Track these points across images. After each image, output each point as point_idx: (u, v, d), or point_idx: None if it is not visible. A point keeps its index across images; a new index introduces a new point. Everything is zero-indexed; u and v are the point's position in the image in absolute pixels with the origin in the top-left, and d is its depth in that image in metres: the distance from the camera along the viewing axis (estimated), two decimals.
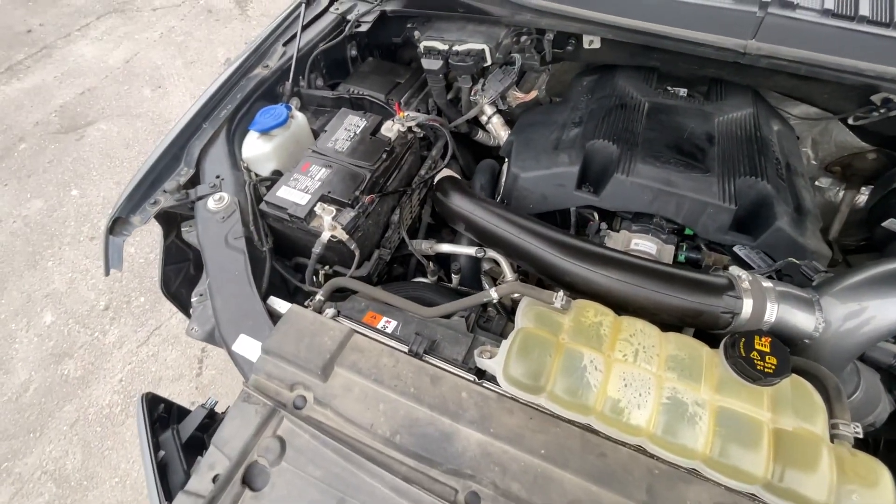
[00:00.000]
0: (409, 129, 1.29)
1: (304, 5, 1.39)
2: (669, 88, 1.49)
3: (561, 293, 0.84)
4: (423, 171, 1.38)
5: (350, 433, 0.80)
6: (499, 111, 1.57)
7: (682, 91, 1.45)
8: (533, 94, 1.47)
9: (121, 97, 4.13)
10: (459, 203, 1.19)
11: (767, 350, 0.72)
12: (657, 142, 1.22)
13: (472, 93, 1.44)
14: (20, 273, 3.01)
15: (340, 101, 1.49)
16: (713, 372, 0.76)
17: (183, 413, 1.01)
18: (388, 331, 0.95)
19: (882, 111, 1.15)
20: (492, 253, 1.22)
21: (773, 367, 0.70)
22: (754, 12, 1.06)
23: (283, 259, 1.20)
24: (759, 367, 0.70)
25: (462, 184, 1.30)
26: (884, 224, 1.15)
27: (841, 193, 1.61)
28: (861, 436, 0.74)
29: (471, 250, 1.24)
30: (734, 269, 0.89)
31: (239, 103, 1.29)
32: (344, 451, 0.77)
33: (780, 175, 1.21)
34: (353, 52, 1.65)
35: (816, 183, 1.66)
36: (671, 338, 0.81)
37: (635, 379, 0.75)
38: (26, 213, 3.32)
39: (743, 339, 0.73)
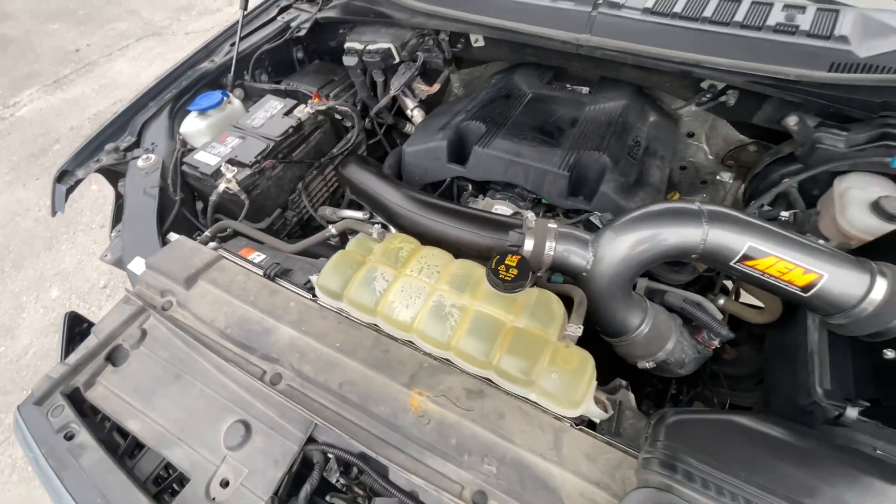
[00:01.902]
0: (319, 111, 1.52)
1: (242, 14, 1.67)
2: (568, 86, 1.68)
3: (378, 226, 1.02)
4: (335, 150, 1.60)
5: (196, 327, 0.99)
6: (420, 105, 1.80)
7: (585, 90, 1.64)
8: (436, 87, 1.68)
9: None
10: (348, 172, 1.40)
11: (514, 265, 0.88)
12: (524, 124, 1.40)
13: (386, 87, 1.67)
14: (37, 254, 3.39)
15: (277, 92, 1.74)
16: (481, 285, 0.92)
17: None
18: (256, 261, 1.15)
19: (709, 96, 1.30)
20: (378, 218, 1.42)
21: (513, 277, 0.86)
22: (588, 11, 1.24)
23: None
24: (501, 276, 0.86)
25: (359, 159, 1.51)
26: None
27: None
28: (579, 333, 0.87)
29: (359, 214, 1.44)
30: (527, 213, 1.05)
31: (183, 89, 1.56)
32: (187, 340, 0.96)
33: (631, 154, 1.36)
34: (300, 55, 1.93)
35: (717, 177, 1.78)
36: (459, 262, 0.98)
37: (413, 288, 0.92)
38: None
39: (498, 257, 0.89)
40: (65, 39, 5.68)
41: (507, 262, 0.89)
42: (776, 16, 1.13)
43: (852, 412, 0.84)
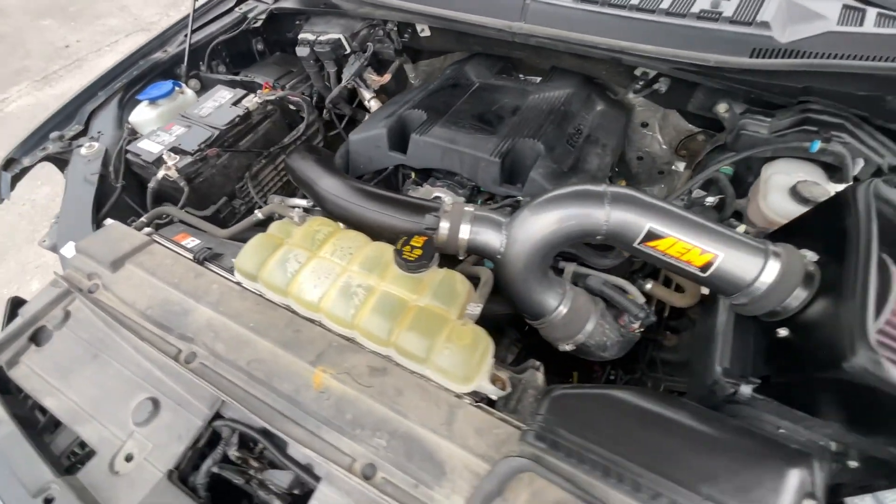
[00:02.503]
0: (268, 101, 1.54)
1: (193, 5, 1.69)
2: (521, 76, 1.70)
3: (299, 210, 1.04)
4: (286, 140, 1.62)
5: (119, 309, 1.02)
6: (378, 95, 1.81)
7: (537, 79, 1.65)
8: (387, 77, 1.70)
9: None
10: (291, 161, 1.42)
11: (419, 247, 0.89)
12: (465, 112, 1.42)
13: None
14: (20, 247, 3.43)
15: (234, 83, 1.76)
16: (390, 267, 0.94)
17: None
18: (188, 245, 1.17)
19: (641, 84, 1.31)
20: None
21: (416, 257, 0.88)
22: None
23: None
24: (405, 257, 0.88)
25: (306, 149, 1.52)
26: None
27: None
28: (478, 312, 0.88)
29: (305, 203, 1.45)
30: (445, 198, 1.06)
31: (134, 78, 1.58)
32: (108, 321, 0.98)
33: (570, 142, 1.37)
34: (260, 47, 1.95)
35: (672, 167, 1.79)
36: (374, 245, 0.99)
37: (324, 269, 0.94)
38: (35, 197, 3.78)
39: (404, 239, 0.91)
40: (55, 35, 5.71)
41: (412, 242, 0.90)
42: (702, 2, 1.14)
43: (746, 389, 0.85)
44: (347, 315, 0.88)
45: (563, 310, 1.05)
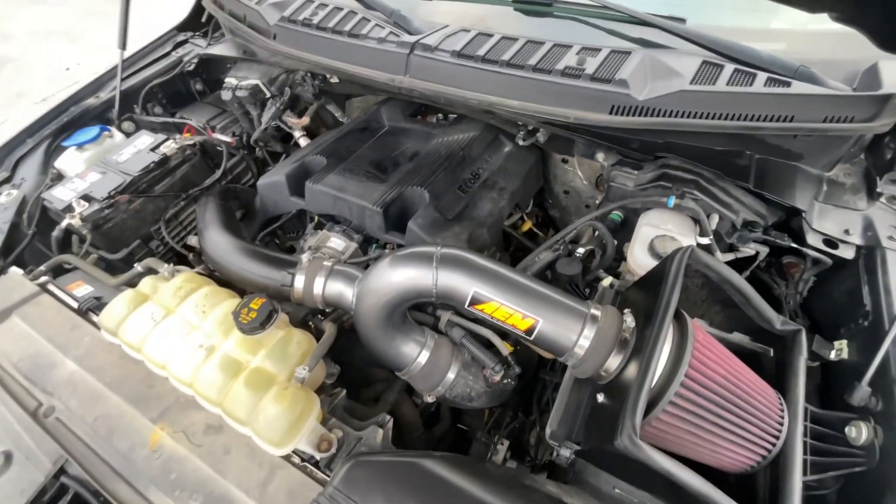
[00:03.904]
0: (187, 146, 1.61)
1: (121, 53, 1.77)
2: (440, 116, 1.74)
3: (170, 265, 1.09)
4: (208, 181, 1.68)
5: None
6: (306, 133, 1.87)
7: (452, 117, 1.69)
8: (305, 119, 1.75)
9: None
10: (197, 207, 1.48)
11: (256, 309, 0.93)
12: (364, 158, 1.46)
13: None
14: None
15: (167, 125, 1.84)
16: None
17: None
18: (79, 294, 1.23)
19: (523, 133, 1.34)
20: None
21: (251, 320, 0.92)
22: (406, 53, 1.30)
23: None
24: (240, 320, 0.92)
25: (219, 194, 1.56)
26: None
27: None
28: (305, 374, 0.91)
29: None
30: (303, 254, 1.10)
31: (64, 124, 1.67)
32: None
33: (462, 188, 1.40)
34: (199, 87, 2.02)
35: (597, 201, 1.80)
36: (230, 302, 1.03)
37: (176, 327, 0.98)
38: None
39: (244, 300, 0.95)
40: (58, 58, 5.95)
41: (251, 304, 0.94)
42: (569, 59, 1.16)
43: (565, 452, 0.87)
44: (186, 374, 0.92)
45: (421, 361, 1.07)
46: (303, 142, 1.84)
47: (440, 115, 1.77)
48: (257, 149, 1.90)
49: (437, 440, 1.52)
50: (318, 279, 1.04)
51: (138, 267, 1.18)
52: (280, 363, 0.91)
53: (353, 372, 1.26)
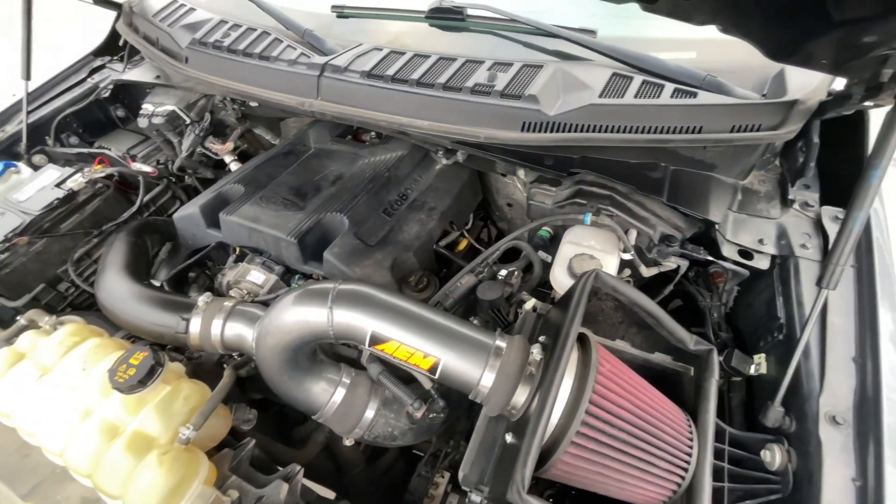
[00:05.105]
0: (98, 179, 1.51)
1: (26, 83, 1.67)
2: (372, 134, 1.68)
3: (53, 318, 1.00)
4: (126, 215, 1.58)
5: None
6: (238, 157, 1.79)
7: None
8: (229, 145, 1.67)
9: None
10: (106, 244, 1.38)
11: (136, 365, 0.85)
12: (285, 185, 1.39)
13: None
14: None
15: (82, 155, 1.73)
16: None
17: None
18: None
19: (441, 151, 1.30)
20: None
21: (128, 377, 0.83)
22: (316, 75, 1.24)
23: None
24: (116, 378, 0.83)
25: (131, 230, 1.46)
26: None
27: None
28: (188, 437, 0.83)
29: None
30: (201, 297, 1.02)
31: None
32: None
33: (387, 211, 1.34)
34: (121, 113, 1.92)
35: None
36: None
37: (50, 389, 0.89)
38: None
39: (123, 356, 0.86)
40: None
41: (131, 360, 0.86)
42: (479, 75, 1.12)
43: (476, 498, 0.81)
44: (56, 443, 0.83)
45: (335, 403, 1.00)
46: (234, 166, 1.77)
47: (373, 134, 1.72)
48: (186, 177, 1.81)
49: (382, 474, 1.45)
50: (216, 321, 0.96)
51: (21, 320, 1.08)
52: (163, 423, 0.83)
53: (288, 408, 1.17)
